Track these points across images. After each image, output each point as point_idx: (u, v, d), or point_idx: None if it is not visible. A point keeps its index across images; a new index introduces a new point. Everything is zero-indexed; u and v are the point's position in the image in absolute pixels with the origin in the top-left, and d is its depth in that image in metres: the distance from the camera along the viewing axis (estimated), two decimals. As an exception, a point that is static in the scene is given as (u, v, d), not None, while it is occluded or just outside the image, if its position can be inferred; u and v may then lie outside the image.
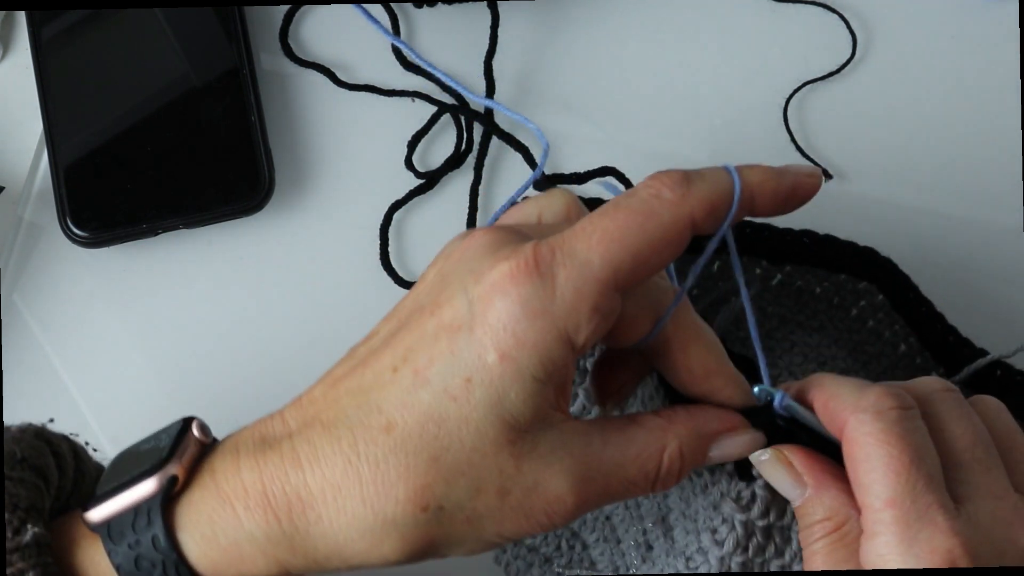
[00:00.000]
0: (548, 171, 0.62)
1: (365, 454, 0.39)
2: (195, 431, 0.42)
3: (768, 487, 0.43)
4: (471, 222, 0.61)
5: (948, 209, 0.61)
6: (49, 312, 0.61)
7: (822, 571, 0.41)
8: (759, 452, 0.42)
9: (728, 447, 0.42)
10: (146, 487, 0.40)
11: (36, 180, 0.62)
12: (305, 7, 0.65)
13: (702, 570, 0.44)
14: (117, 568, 0.40)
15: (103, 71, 0.62)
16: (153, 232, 0.60)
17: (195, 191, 0.60)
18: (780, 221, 0.53)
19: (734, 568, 0.43)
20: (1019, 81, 0.59)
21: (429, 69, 0.58)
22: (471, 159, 0.62)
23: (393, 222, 0.61)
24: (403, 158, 0.62)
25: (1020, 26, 0.62)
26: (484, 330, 0.38)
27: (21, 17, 0.64)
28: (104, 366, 0.60)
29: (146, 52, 0.62)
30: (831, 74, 0.63)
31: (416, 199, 0.62)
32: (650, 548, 0.48)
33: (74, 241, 0.60)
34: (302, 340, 0.60)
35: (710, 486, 0.44)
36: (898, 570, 0.38)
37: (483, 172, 0.62)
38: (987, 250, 0.60)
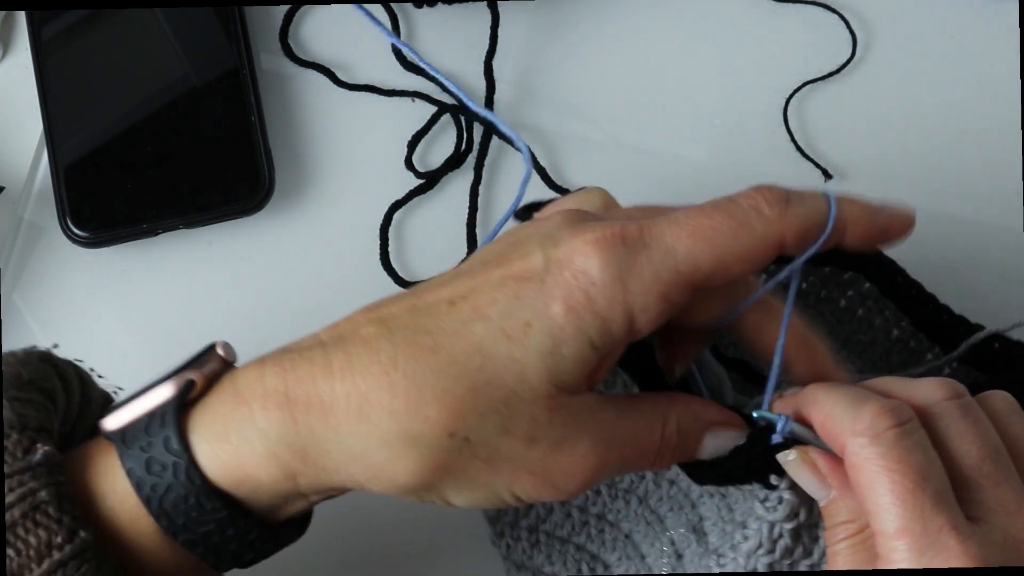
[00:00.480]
0: (548, 172, 0.62)
1: (404, 368, 0.38)
2: (219, 349, 0.42)
3: (794, 490, 0.43)
4: (471, 222, 0.61)
5: (948, 209, 0.61)
6: (49, 312, 0.61)
7: (841, 571, 0.41)
8: (786, 452, 0.42)
9: (723, 439, 0.42)
10: (163, 392, 0.40)
11: (36, 180, 0.62)
12: (305, 7, 0.65)
13: (729, 567, 0.44)
14: (128, 472, 0.39)
15: (103, 71, 0.62)
16: (153, 232, 0.60)
17: (195, 191, 0.60)
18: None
19: (760, 568, 0.44)
20: (1019, 81, 0.59)
21: (429, 70, 0.58)
22: (471, 159, 0.62)
23: (393, 222, 0.61)
24: (403, 158, 0.62)
25: (1020, 26, 0.62)
26: (556, 283, 0.39)
27: (21, 17, 0.63)
28: (104, 366, 0.60)
29: (146, 52, 0.62)
30: (831, 74, 0.63)
31: (416, 199, 0.62)
32: (680, 556, 0.48)
33: (74, 241, 0.60)
34: (302, 340, 0.60)
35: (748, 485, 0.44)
36: (910, 570, 0.38)
37: (483, 172, 0.62)
38: (987, 250, 0.60)
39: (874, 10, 0.64)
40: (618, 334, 0.39)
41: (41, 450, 0.39)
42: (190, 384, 0.40)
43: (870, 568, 0.40)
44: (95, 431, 0.42)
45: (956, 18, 0.64)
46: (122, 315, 0.61)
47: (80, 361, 0.45)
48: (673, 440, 0.42)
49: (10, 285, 0.61)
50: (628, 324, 0.39)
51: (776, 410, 0.43)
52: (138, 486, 0.39)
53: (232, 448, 0.39)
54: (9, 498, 0.38)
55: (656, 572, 0.48)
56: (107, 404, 0.45)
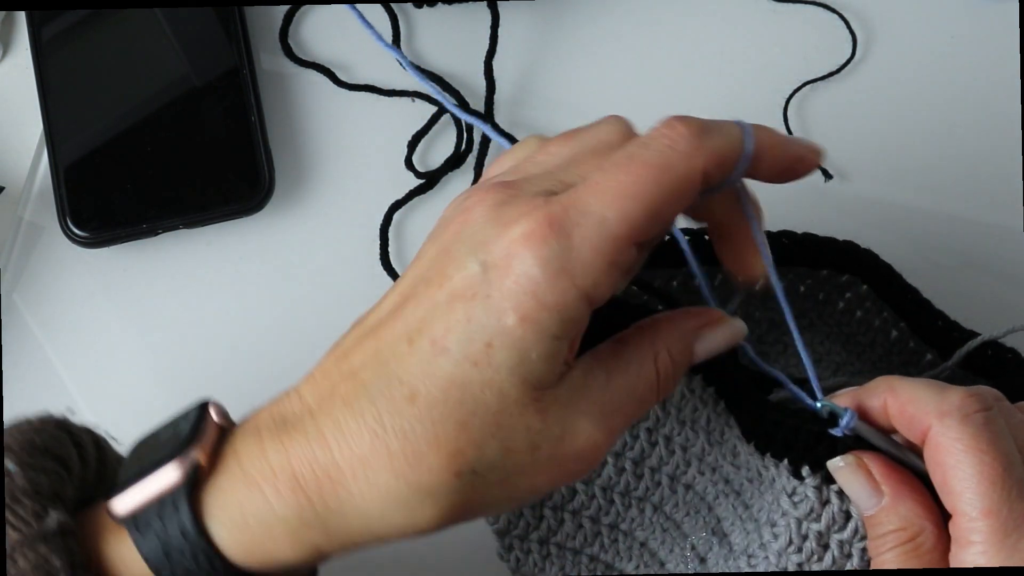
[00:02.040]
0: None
1: (391, 426, 0.38)
2: (213, 415, 0.41)
3: (817, 489, 0.43)
4: (471, 222, 0.61)
5: (948, 209, 0.61)
6: (49, 312, 0.61)
7: (857, 571, 0.41)
8: (837, 459, 0.42)
9: (710, 340, 0.42)
10: (169, 475, 0.40)
11: (36, 180, 0.62)
12: (305, 7, 0.65)
13: (760, 567, 0.44)
14: (146, 558, 0.39)
15: (103, 71, 0.62)
16: (153, 232, 0.60)
17: (195, 191, 0.60)
18: (776, 220, 0.53)
19: (791, 567, 0.44)
20: (1019, 81, 0.59)
21: (417, 78, 0.57)
22: (471, 159, 0.62)
23: (393, 222, 0.61)
24: (403, 158, 0.62)
25: (1020, 26, 0.62)
26: (502, 294, 0.38)
27: (21, 17, 0.63)
28: (104, 366, 0.60)
29: (146, 52, 0.62)
30: (831, 74, 0.63)
31: (416, 199, 0.62)
32: (703, 561, 0.48)
33: (74, 241, 0.60)
34: (302, 340, 0.60)
35: (776, 479, 0.44)
36: (920, 570, 0.39)
37: (483, 172, 0.62)
38: (987, 250, 0.60)
39: (874, 10, 0.64)
40: (579, 316, 0.39)
41: (55, 518, 0.39)
42: (196, 466, 0.40)
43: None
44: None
45: (956, 18, 0.64)
46: (122, 315, 0.61)
47: (96, 427, 0.45)
48: (669, 370, 0.42)
49: (10, 285, 0.61)
50: (586, 304, 0.39)
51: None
52: (157, 571, 0.39)
53: (252, 535, 0.39)
54: (23, 565, 0.38)
55: (679, 573, 0.48)
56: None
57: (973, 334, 0.51)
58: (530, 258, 0.38)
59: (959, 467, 0.39)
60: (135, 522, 0.39)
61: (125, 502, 0.40)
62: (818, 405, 0.43)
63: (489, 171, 0.45)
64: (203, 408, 0.42)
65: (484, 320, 0.38)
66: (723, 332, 0.43)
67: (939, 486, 0.40)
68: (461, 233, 0.40)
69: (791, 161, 0.42)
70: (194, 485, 0.40)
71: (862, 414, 0.42)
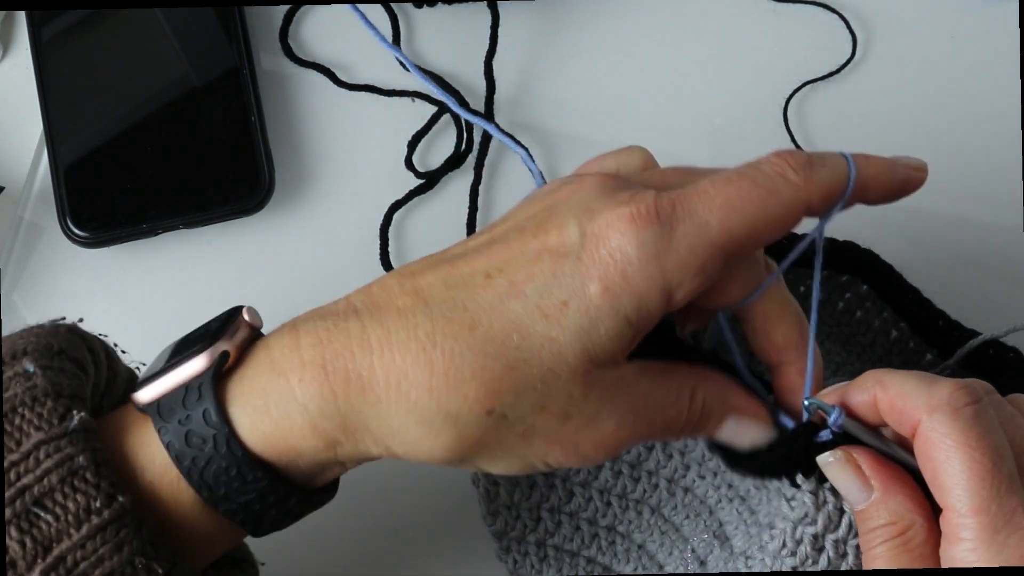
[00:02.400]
0: (547, 174, 0.62)
1: (443, 345, 0.38)
2: (245, 315, 0.42)
3: (813, 493, 0.43)
4: (471, 222, 0.61)
5: (948, 209, 0.61)
6: (49, 312, 0.60)
7: (870, 570, 0.41)
8: (826, 454, 0.42)
9: (743, 429, 0.43)
10: (197, 364, 0.40)
11: (36, 180, 0.62)
12: (305, 7, 0.65)
13: (756, 569, 0.44)
14: (167, 445, 0.39)
15: (103, 71, 0.62)
16: (153, 232, 0.60)
17: (195, 191, 0.60)
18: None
19: (786, 569, 0.44)
20: (1019, 81, 0.59)
21: (419, 77, 0.58)
22: (471, 159, 0.62)
23: (393, 222, 0.61)
24: (403, 158, 0.62)
25: (1020, 26, 0.62)
26: (593, 261, 0.39)
27: (21, 17, 0.63)
28: (104, 366, 0.60)
29: (146, 52, 0.62)
30: (831, 74, 0.63)
31: (416, 199, 0.62)
32: (703, 563, 0.48)
33: (74, 241, 0.60)
34: (302, 340, 0.60)
35: (780, 486, 0.44)
36: (929, 569, 0.39)
37: (483, 172, 0.62)
38: (987, 250, 0.60)
39: (874, 10, 0.64)
40: (655, 310, 0.39)
41: (77, 417, 0.39)
42: (224, 356, 0.40)
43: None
44: (122, 405, 0.42)
45: (956, 18, 0.64)
46: (122, 315, 0.61)
47: (105, 336, 0.45)
48: (696, 416, 0.42)
49: (10, 285, 0.61)
50: (665, 300, 0.39)
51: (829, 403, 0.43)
52: (178, 459, 0.39)
53: (273, 421, 0.39)
54: (46, 464, 0.38)
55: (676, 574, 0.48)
56: (132, 380, 0.45)
57: (974, 333, 0.51)
58: (631, 236, 0.39)
59: (948, 463, 0.39)
60: (158, 409, 0.40)
61: (150, 391, 0.40)
62: (806, 403, 0.43)
63: (588, 166, 0.45)
64: (236, 310, 0.43)
65: (568, 279, 0.39)
66: (755, 431, 0.43)
67: (929, 481, 0.40)
68: (571, 199, 0.41)
69: (899, 185, 0.43)
70: (221, 375, 0.40)
71: (852, 409, 0.42)
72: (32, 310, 0.61)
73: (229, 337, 0.41)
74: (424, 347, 0.39)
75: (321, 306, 0.42)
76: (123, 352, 0.46)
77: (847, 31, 0.64)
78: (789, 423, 0.43)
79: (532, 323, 0.39)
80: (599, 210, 0.40)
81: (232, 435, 0.39)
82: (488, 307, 0.39)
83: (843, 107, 0.63)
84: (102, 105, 0.61)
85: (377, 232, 0.61)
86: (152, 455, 0.40)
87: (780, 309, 0.44)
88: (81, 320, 0.45)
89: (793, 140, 0.62)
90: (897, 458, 0.42)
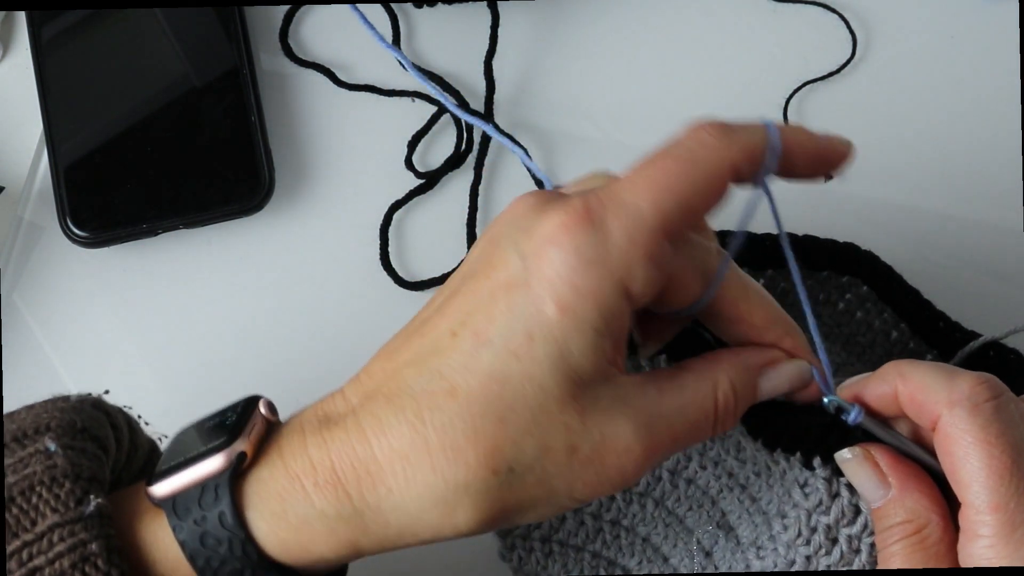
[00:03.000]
0: (547, 174, 0.62)
1: (431, 421, 0.38)
2: (262, 409, 0.42)
3: (827, 481, 0.43)
4: (471, 222, 0.61)
5: (948, 209, 0.61)
6: (49, 312, 0.61)
7: (864, 570, 0.41)
8: (844, 451, 0.42)
9: (776, 378, 0.42)
10: (214, 463, 0.40)
11: (36, 180, 0.62)
12: (305, 7, 0.65)
13: (769, 559, 0.44)
14: (181, 544, 0.39)
15: (103, 71, 0.62)
16: (153, 232, 0.60)
17: (195, 191, 0.60)
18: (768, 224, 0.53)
19: (799, 560, 0.44)
20: (1019, 81, 0.59)
21: (418, 78, 0.58)
22: (471, 159, 0.62)
23: (393, 222, 0.61)
24: (403, 158, 0.62)
25: (1020, 26, 0.62)
26: (541, 284, 0.38)
27: (21, 17, 0.63)
28: (104, 366, 0.60)
29: (146, 52, 0.62)
30: (831, 74, 0.63)
31: (416, 199, 0.62)
32: (708, 555, 0.48)
33: (74, 241, 0.60)
34: (302, 340, 0.60)
35: (787, 471, 0.44)
36: (930, 569, 0.39)
37: (483, 172, 0.62)
38: (987, 250, 0.60)
39: (874, 10, 0.64)
40: (618, 310, 0.39)
41: (94, 502, 0.39)
42: (242, 457, 0.40)
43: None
44: (140, 477, 0.42)
45: (956, 18, 0.64)
46: (122, 315, 0.61)
47: (129, 408, 0.45)
48: (731, 401, 0.41)
49: (10, 285, 0.61)
50: (624, 295, 0.39)
51: (849, 393, 0.43)
52: (192, 558, 0.39)
53: (292, 527, 0.39)
54: (59, 547, 0.38)
55: (684, 572, 0.48)
56: (153, 451, 0.45)
57: (975, 335, 0.51)
58: (567, 245, 0.38)
59: (968, 459, 0.39)
60: (174, 506, 0.40)
61: (166, 486, 0.40)
62: (826, 400, 0.43)
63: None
64: (252, 401, 0.42)
65: (524, 310, 0.38)
66: (789, 370, 0.43)
67: (949, 476, 0.40)
68: (506, 224, 0.40)
69: (823, 152, 0.42)
70: (237, 475, 0.40)
71: (872, 401, 0.42)
72: (32, 310, 0.61)
73: (246, 436, 0.40)
74: (415, 427, 0.38)
75: (323, 399, 0.41)
76: (146, 424, 0.46)
77: (847, 31, 0.64)
78: (823, 401, 0.43)
79: (507, 368, 0.38)
80: (532, 228, 0.39)
81: (248, 540, 0.39)
82: (461, 367, 0.38)
83: (843, 107, 0.63)
84: (102, 105, 0.61)
85: (377, 232, 0.61)
86: (164, 549, 0.40)
87: (744, 290, 0.43)
88: (107, 392, 0.45)
89: (793, 140, 0.62)
90: (914, 456, 0.42)
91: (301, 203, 0.62)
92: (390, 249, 0.61)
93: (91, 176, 0.60)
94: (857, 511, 0.43)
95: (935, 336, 0.53)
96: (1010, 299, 0.59)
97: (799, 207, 0.62)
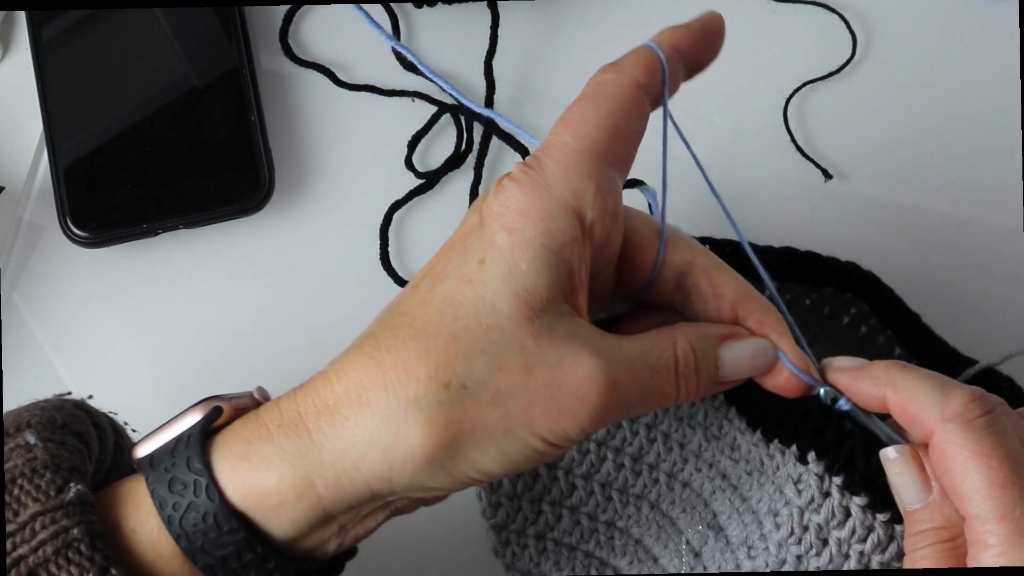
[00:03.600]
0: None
1: (386, 346, 0.39)
2: (255, 392, 0.43)
3: (820, 477, 0.43)
4: (471, 222, 0.61)
5: (948, 209, 0.61)
6: (49, 312, 0.61)
7: (858, 571, 0.41)
8: (889, 449, 0.42)
9: (737, 350, 0.42)
10: (190, 418, 0.41)
11: (36, 180, 0.62)
12: (305, 7, 0.65)
13: (760, 559, 0.44)
14: (152, 493, 0.40)
15: (103, 71, 0.62)
16: (153, 232, 0.60)
17: (195, 191, 0.60)
18: (776, 219, 0.53)
19: (789, 559, 0.44)
20: (1019, 81, 0.59)
21: (428, 74, 0.57)
22: (471, 159, 0.62)
23: (393, 222, 0.61)
24: (403, 158, 0.62)
25: (1020, 26, 0.62)
26: (492, 218, 0.40)
27: (21, 17, 0.64)
28: (104, 366, 0.60)
29: (146, 52, 0.62)
30: (831, 74, 0.63)
31: (416, 199, 0.62)
32: (698, 555, 0.48)
33: (74, 241, 0.60)
34: (302, 339, 0.60)
35: (781, 467, 0.44)
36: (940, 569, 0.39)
37: (483, 172, 0.62)
38: (987, 250, 0.60)
39: (874, 10, 0.64)
40: (568, 229, 0.40)
41: (74, 489, 0.39)
42: (217, 410, 0.41)
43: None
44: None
45: (956, 18, 0.64)
46: (122, 315, 0.61)
47: (115, 414, 0.46)
48: (690, 359, 0.41)
49: (10, 285, 0.61)
50: (572, 216, 0.40)
51: (834, 383, 0.43)
52: (160, 505, 0.40)
53: (251, 465, 0.40)
54: (41, 535, 0.38)
55: (672, 572, 0.48)
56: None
57: (971, 361, 0.52)
58: (511, 185, 0.41)
59: (967, 473, 0.39)
60: (151, 460, 0.41)
61: (147, 445, 0.41)
62: (822, 392, 0.43)
63: None
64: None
65: (477, 243, 0.40)
66: (751, 345, 0.43)
67: (949, 491, 0.40)
68: (475, 202, 0.43)
69: (702, 32, 0.45)
70: (211, 430, 0.41)
71: (859, 399, 0.42)
72: (32, 310, 0.61)
73: (226, 400, 0.42)
74: (371, 355, 0.39)
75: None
76: (133, 431, 0.46)
77: (847, 31, 0.64)
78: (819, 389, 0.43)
79: (461, 294, 0.39)
80: (488, 192, 0.42)
81: (212, 481, 0.40)
82: (420, 302, 0.40)
83: (843, 107, 0.63)
84: (102, 105, 0.61)
85: (377, 232, 0.61)
86: (144, 517, 0.40)
87: (714, 262, 0.43)
88: (91, 397, 0.46)
89: (793, 140, 0.62)
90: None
91: (301, 203, 0.62)
92: (390, 249, 0.61)
93: (91, 176, 0.60)
94: (847, 514, 0.43)
95: (932, 363, 0.53)
96: (1010, 299, 0.59)
97: (799, 206, 0.62)
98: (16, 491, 0.39)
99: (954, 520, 0.40)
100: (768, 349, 0.43)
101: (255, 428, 0.40)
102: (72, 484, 0.39)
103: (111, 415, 0.45)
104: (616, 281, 0.44)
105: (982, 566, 0.39)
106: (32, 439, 0.41)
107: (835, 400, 0.43)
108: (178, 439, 0.41)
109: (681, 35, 0.44)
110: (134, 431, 0.46)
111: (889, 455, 0.42)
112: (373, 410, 0.39)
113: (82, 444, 0.42)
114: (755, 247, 0.53)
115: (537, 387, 0.39)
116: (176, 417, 0.42)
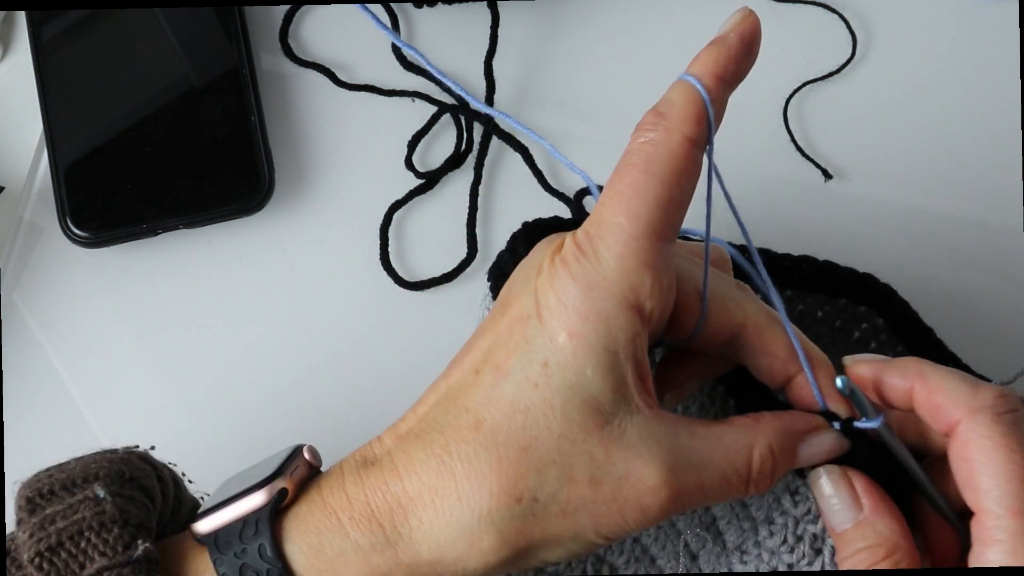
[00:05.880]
0: (547, 174, 0.62)
1: (457, 452, 0.39)
2: (305, 454, 0.43)
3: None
4: (471, 222, 0.61)
5: (948, 209, 0.61)
6: (49, 312, 0.61)
7: (853, 571, 0.41)
8: (819, 469, 0.42)
9: (815, 446, 0.42)
10: (255, 499, 0.41)
11: (36, 180, 0.62)
12: (305, 7, 0.65)
13: (751, 565, 0.44)
14: None
15: (103, 71, 0.62)
16: (153, 232, 0.60)
17: (195, 191, 0.60)
18: (776, 219, 0.53)
19: (781, 567, 0.44)
20: (1019, 81, 0.59)
21: (432, 71, 0.57)
22: (471, 159, 0.62)
23: (393, 222, 0.61)
24: (403, 158, 0.62)
25: (1020, 26, 0.62)
26: (549, 313, 0.39)
27: (21, 17, 0.64)
28: (104, 366, 0.60)
29: (146, 52, 0.62)
30: (831, 74, 0.63)
31: (416, 199, 0.62)
32: (695, 558, 0.48)
33: (74, 241, 0.60)
34: (302, 339, 0.60)
35: (780, 478, 0.44)
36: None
37: (483, 172, 0.62)
38: (987, 250, 0.60)
39: (874, 10, 0.64)
40: (629, 327, 0.39)
41: (141, 547, 0.40)
42: (283, 493, 0.41)
43: None
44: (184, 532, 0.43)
45: (956, 18, 0.64)
46: (122, 315, 0.61)
47: (174, 465, 0.46)
48: (767, 464, 0.41)
49: (10, 285, 0.61)
50: (632, 312, 0.39)
51: (852, 375, 0.43)
52: None
53: (328, 559, 0.40)
54: None
55: (668, 573, 0.48)
56: (195, 509, 0.46)
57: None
58: (565, 276, 0.39)
59: (988, 464, 0.39)
60: (215, 541, 0.41)
61: (209, 522, 0.41)
62: (855, 425, 0.42)
63: None
64: (297, 448, 0.43)
65: (538, 340, 0.39)
66: (830, 440, 0.42)
67: (964, 482, 0.40)
68: (523, 265, 0.42)
69: (741, 48, 0.43)
70: (278, 511, 0.41)
71: (886, 391, 0.42)
72: (32, 310, 0.61)
73: (288, 475, 0.42)
74: (442, 459, 0.39)
75: (363, 446, 0.43)
76: (190, 482, 0.47)
77: (847, 31, 0.64)
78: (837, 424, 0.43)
79: (527, 397, 0.39)
80: (542, 265, 0.40)
81: (286, 571, 0.40)
82: (485, 400, 0.40)
83: (843, 107, 0.63)
84: (102, 105, 0.61)
85: (377, 232, 0.61)
86: None
87: (766, 319, 0.43)
88: (153, 448, 0.46)
89: (793, 140, 0.62)
90: (917, 478, 0.42)
91: (301, 203, 0.62)
92: (390, 249, 0.61)
93: (91, 176, 0.60)
94: None
95: None
96: (1010, 299, 0.59)
97: (799, 206, 0.62)
98: (83, 544, 0.40)
99: (886, 535, 0.40)
100: (845, 444, 0.42)
101: (324, 517, 0.40)
102: (139, 541, 0.40)
103: (171, 466, 0.46)
104: (665, 331, 0.43)
105: (986, 563, 0.39)
106: (101, 492, 0.41)
107: (860, 408, 0.42)
108: (244, 521, 0.41)
109: (722, 61, 0.42)
110: (190, 482, 0.47)
111: (819, 474, 0.42)
112: (448, 519, 0.39)
113: (148, 499, 0.42)
114: (773, 255, 0.53)
115: (604, 500, 0.39)
116: (238, 495, 0.41)
